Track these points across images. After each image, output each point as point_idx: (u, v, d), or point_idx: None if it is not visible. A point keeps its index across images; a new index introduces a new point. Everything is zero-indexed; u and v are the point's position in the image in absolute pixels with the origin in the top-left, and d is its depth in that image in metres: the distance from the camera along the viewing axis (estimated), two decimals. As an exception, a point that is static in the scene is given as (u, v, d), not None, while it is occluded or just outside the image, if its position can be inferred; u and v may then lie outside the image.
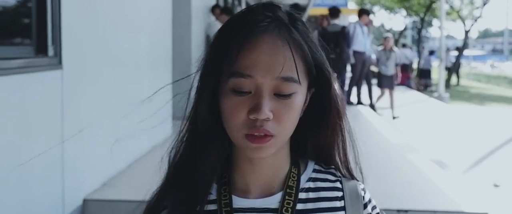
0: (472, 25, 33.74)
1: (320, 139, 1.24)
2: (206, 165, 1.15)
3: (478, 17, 33.76)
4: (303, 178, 1.22)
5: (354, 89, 13.02)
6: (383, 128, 9.42)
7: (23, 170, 3.47)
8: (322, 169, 1.26)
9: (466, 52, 54.78)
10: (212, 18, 10.73)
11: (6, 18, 3.81)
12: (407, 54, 25.92)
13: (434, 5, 33.22)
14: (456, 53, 31.24)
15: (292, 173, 1.21)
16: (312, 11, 26.48)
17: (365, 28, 12.76)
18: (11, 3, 3.91)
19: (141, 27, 5.97)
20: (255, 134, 1.06)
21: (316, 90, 1.19)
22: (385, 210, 4.16)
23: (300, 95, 1.11)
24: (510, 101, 22.27)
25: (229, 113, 1.07)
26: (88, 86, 4.51)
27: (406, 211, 4.70)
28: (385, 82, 13.70)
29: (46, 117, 3.89)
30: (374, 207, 1.28)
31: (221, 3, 12.81)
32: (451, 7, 33.85)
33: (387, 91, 13.83)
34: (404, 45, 29.65)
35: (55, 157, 3.97)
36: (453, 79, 29.89)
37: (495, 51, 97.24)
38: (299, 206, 1.18)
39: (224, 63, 1.05)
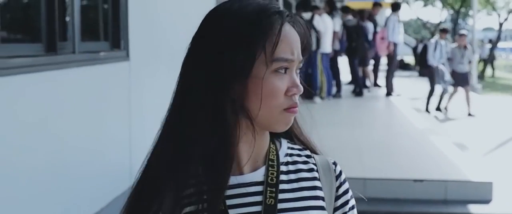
0: (506, 18, 33.98)
1: None
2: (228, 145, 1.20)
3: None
4: (281, 153, 1.31)
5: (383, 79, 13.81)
6: (412, 115, 10.16)
7: (102, 142, 4.37)
8: (295, 146, 1.36)
9: (504, 44, 54.54)
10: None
11: (90, 19, 4.70)
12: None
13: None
14: (490, 45, 31.46)
15: (271, 148, 1.29)
16: (349, 4, 26.75)
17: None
18: (93, 7, 4.82)
19: (193, 25, 6.79)
20: (294, 107, 1.22)
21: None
22: (404, 180, 5.05)
23: None
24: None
25: (273, 93, 1.18)
26: (150, 76, 5.36)
27: (421, 180, 5.50)
28: (460, 79, 13.31)
29: (118, 100, 4.77)
30: (345, 180, 1.37)
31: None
32: (485, 0, 34.09)
33: (460, 89, 13.57)
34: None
35: (124, 135, 4.84)
36: (488, 71, 30.14)
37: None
38: (283, 177, 1.27)
39: (265, 51, 1.16)
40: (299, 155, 1.33)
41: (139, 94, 5.07)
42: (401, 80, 17.04)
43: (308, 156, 1.34)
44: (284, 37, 1.18)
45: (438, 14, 65.62)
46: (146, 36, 5.30)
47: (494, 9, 35.03)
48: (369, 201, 5.40)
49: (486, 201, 5.40)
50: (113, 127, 4.68)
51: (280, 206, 1.23)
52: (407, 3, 41.34)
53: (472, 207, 5.30)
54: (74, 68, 4.04)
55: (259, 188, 1.24)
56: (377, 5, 14.27)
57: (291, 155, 1.32)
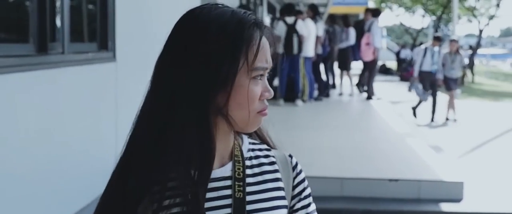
0: (486, 24, 34.42)
1: None
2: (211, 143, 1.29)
3: (493, 16, 34.42)
4: (244, 148, 1.40)
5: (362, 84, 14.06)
6: (391, 119, 10.39)
7: (89, 141, 4.54)
8: (255, 142, 1.46)
9: (485, 50, 55.05)
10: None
11: (78, 20, 4.87)
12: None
13: (451, 4, 33.80)
14: (470, 51, 31.81)
15: (235, 145, 1.38)
16: (332, 9, 27.03)
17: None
18: (81, 8, 4.99)
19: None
20: (265, 109, 1.33)
21: None
22: (380, 179, 5.26)
23: None
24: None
25: (252, 98, 1.28)
26: (136, 77, 5.51)
27: (396, 180, 5.71)
28: (452, 85, 13.58)
29: (105, 101, 4.94)
30: (300, 171, 1.47)
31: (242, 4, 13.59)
32: (465, 7, 34.48)
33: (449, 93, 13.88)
34: (421, 44, 30.35)
35: (110, 134, 5.00)
36: (468, 76, 30.47)
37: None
38: (248, 172, 1.37)
39: (247, 61, 1.27)
40: (260, 150, 1.44)
41: (125, 95, 5.23)
42: (382, 84, 17.31)
43: (267, 150, 1.45)
44: (261, 48, 1.29)
45: (420, 20, 66.15)
46: (133, 38, 5.47)
47: (474, 16, 35.42)
48: (347, 200, 5.64)
49: (457, 200, 5.60)
50: (100, 126, 4.85)
51: (248, 198, 1.33)
52: (390, 8, 41.70)
53: (444, 206, 5.50)
54: (63, 68, 4.20)
55: (227, 183, 1.33)
56: (368, 11, 14.49)
57: (253, 150, 1.42)
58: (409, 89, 14.32)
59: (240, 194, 1.32)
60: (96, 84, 4.78)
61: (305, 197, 1.45)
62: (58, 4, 4.11)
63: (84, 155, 4.50)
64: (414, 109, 13.57)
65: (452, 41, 14.11)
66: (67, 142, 4.20)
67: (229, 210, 1.30)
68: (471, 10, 35.18)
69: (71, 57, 4.31)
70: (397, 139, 8.23)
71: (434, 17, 39.02)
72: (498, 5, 34.34)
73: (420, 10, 40.95)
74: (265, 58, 1.31)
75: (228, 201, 1.31)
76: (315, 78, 12.63)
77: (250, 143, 1.43)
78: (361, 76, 14.56)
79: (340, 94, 14.30)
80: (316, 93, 12.79)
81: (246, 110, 1.28)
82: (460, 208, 5.51)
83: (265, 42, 1.32)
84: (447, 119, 13.68)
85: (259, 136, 1.47)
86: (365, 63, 14.25)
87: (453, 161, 7.64)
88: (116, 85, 5.09)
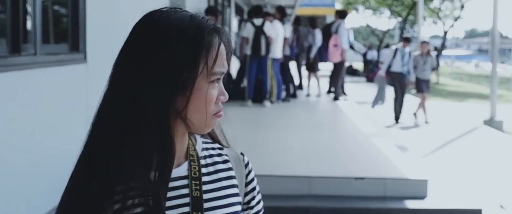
0: (451, 25, 34.98)
1: None
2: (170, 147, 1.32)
3: (458, 17, 34.98)
4: (198, 148, 1.43)
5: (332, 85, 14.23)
6: (358, 119, 10.56)
7: (59, 141, 4.60)
8: (208, 141, 1.49)
9: (451, 52, 55.77)
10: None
11: (50, 22, 4.92)
12: (388, 53, 27.28)
13: (417, 6, 34.26)
14: (435, 52, 32.25)
15: (189, 145, 1.41)
16: (299, 11, 27.21)
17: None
18: (53, 10, 5.04)
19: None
20: (220, 111, 1.37)
21: None
22: (346, 178, 5.40)
23: None
24: (486, 98, 23.37)
25: (209, 101, 1.32)
26: (107, 78, 5.59)
27: (362, 178, 5.85)
28: (424, 86, 13.64)
29: (76, 102, 4.99)
30: (251, 168, 1.53)
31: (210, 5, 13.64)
32: (430, 8, 34.99)
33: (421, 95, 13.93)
34: (387, 46, 30.68)
35: (80, 135, 5.05)
36: (433, 77, 30.88)
37: (481, 51, 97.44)
38: (204, 171, 1.40)
39: (207, 66, 1.29)
40: (213, 149, 1.48)
41: (95, 95, 5.26)
42: (349, 85, 17.53)
43: (220, 149, 1.49)
44: (220, 53, 1.33)
45: (386, 22, 66.76)
46: (103, 40, 5.52)
47: (439, 17, 35.97)
48: (315, 198, 5.76)
49: (422, 197, 5.74)
50: (71, 127, 4.90)
51: (205, 196, 1.36)
52: (356, 10, 42.07)
53: (408, 203, 5.63)
54: (36, 70, 4.27)
55: (184, 182, 1.36)
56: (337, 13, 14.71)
57: (207, 149, 1.46)
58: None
59: (197, 193, 1.36)
60: (67, 86, 4.84)
61: (258, 193, 1.52)
62: (30, 6, 4.17)
63: (55, 154, 4.54)
64: (398, 111, 13.70)
65: (424, 42, 14.21)
66: (39, 141, 4.25)
67: (187, 208, 1.33)
68: (436, 12, 35.72)
69: (43, 58, 4.38)
70: (363, 139, 8.40)
71: (400, 19, 39.48)
72: (462, 7, 34.93)
73: (386, 12, 41.38)
74: (222, 63, 1.34)
75: (186, 200, 1.34)
76: (283, 79, 12.73)
77: (203, 142, 1.47)
78: (332, 77, 14.64)
79: (308, 95, 14.46)
80: (284, 94, 12.90)
81: (204, 112, 1.32)
82: (424, 205, 5.65)
83: (223, 47, 1.35)
84: (417, 121, 13.76)
85: (211, 136, 1.50)
86: (334, 65, 14.39)
87: (418, 160, 7.82)
88: (87, 86, 5.15)
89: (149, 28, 1.31)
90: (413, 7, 33.04)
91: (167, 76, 1.26)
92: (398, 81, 13.34)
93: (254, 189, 1.51)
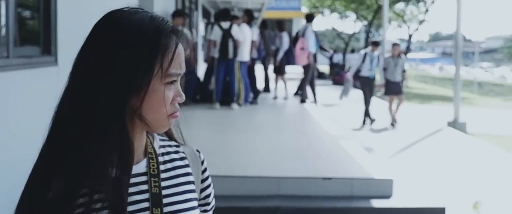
0: (415, 29, 35.49)
1: None
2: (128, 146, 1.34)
3: (422, 21, 35.48)
4: (155, 145, 1.46)
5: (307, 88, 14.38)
6: (324, 121, 10.72)
7: (30, 145, 4.63)
8: (164, 138, 1.52)
9: (415, 55, 56.53)
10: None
11: (23, 25, 4.96)
12: (356, 58, 27.64)
13: (382, 10, 34.68)
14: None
15: (147, 142, 1.44)
16: (266, 14, 27.34)
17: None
18: (26, 13, 5.09)
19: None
20: (176, 112, 1.38)
21: None
22: (314, 178, 5.51)
23: None
24: (450, 100, 23.77)
25: (165, 102, 1.33)
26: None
27: (330, 178, 5.98)
28: (393, 88, 13.57)
29: (47, 105, 5.03)
30: (207, 167, 1.57)
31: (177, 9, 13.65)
32: (395, 12, 35.44)
33: (394, 98, 13.88)
34: (353, 51, 31.00)
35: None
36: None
37: (445, 54, 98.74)
38: (162, 167, 1.43)
39: (162, 68, 1.31)
40: (170, 146, 1.50)
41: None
42: (317, 88, 17.69)
43: (177, 146, 1.52)
44: (176, 55, 1.34)
45: (352, 25, 67.39)
46: (74, 43, 5.56)
47: (404, 21, 36.44)
48: (283, 198, 5.87)
49: (387, 196, 5.87)
50: (42, 129, 4.93)
51: (164, 192, 1.39)
52: (322, 14, 42.39)
53: (374, 202, 5.76)
54: (8, 72, 4.31)
55: (143, 178, 1.38)
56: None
57: (164, 146, 1.49)
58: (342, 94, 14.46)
59: (156, 189, 1.38)
60: (38, 89, 4.88)
61: (212, 189, 1.58)
62: (3, 9, 4.21)
63: (26, 158, 4.57)
64: (367, 114, 13.79)
65: (395, 45, 14.20)
66: (9, 144, 4.28)
67: (147, 204, 1.36)
68: (401, 16, 36.18)
69: (16, 61, 4.41)
70: (330, 140, 8.54)
71: (365, 22, 39.90)
72: (427, 10, 35.44)
73: (352, 15, 41.78)
74: (179, 65, 1.35)
75: (146, 196, 1.37)
76: (250, 82, 12.84)
77: (160, 140, 1.49)
78: (303, 81, 14.59)
79: (275, 98, 14.59)
80: (251, 96, 13.00)
81: (159, 113, 1.34)
82: (390, 204, 5.78)
83: (180, 49, 1.37)
84: (392, 123, 13.82)
85: (167, 134, 1.52)
86: (303, 68, 14.43)
87: (383, 161, 7.98)
88: (58, 89, 5.17)
89: (109, 28, 1.33)
90: (378, 10, 33.42)
91: (123, 76, 1.28)
92: (366, 85, 13.37)
93: (209, 185, 1.56)
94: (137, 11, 1.36)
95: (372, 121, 13.84)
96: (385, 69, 13.61)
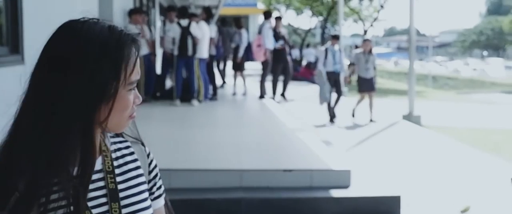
0: (370, 25, 36.05)
1: None
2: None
3: (376, 18, 36.06)
4: (107, 143, 1.52)
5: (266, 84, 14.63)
6: (283, 116, 10.96)
7: None
8: (115, 135, 1.57)
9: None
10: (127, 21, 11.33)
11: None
12: (312, 53, 28.08)
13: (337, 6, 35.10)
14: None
15: (101, 140, 1.49)
16: (223, 11, 27.45)
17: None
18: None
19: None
20: (134, 113, 1.47)
21: None
22: (275, 170, 5.74)
23: None
24: (406, 94, 24.21)
25: (128, 106, 1.43)
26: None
27: (290, 170, 6.20)
28: (366, 85, 13.44)
29: (13, 103, 5.15)
30: (153, 158, 1.64)
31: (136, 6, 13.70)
32: (351, 8, 35.91)
33: (366, 95, 13.73)
34: (308, 45, 31.34)
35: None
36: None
37: (400, 49, 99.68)
38: (115, 163, 1.50)
39: (125, 76, 1.39)
40: (120, 142, 1.57)
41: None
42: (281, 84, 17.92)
43: (125, 142, 1.59)
44: (136, 63, 1.43)
45: (308, 21, 67.88)
46: (42, 40, 5.68)
47: (359, 17, 36.93)
48: (246, 190, 6.09)
49: (345, 187, 6.12)
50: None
51: (119, 187, 1.47)
52: (278, 11, 42.67)
53: (333, 192, 5.99)
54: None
55: (100, 175, 1.45)
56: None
57: (115, 143, 1.55)
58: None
59: (112, 185, 1.46)
60: (5, 88, 4.98)
61: (159, 179, 1.65)
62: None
63: None
64: (331, 109, 13.56)
65: (366, 40, 14.03)
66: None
67: (105, 199, 1.44)
68: (357, 12, 36.67)
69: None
70: (290, 134, 8.78)
71: (321, 18, 40.30)
72: (382, 7, 35.99)
73: (308, 12, 42.12)
74: (137, 71, 1.44)
75: (103, 192, 1.44)
76: (210, 78, 13.00)
77: (110, 136, 1.55)
78: (262, 77, 14.70)
79: (234, 94, 14.79)
80: (211, 93, 13.16)
81: (122, 116, 1.43)
82: (348, 194, 6.02)
83: (137, 57, 1.46)
84: (371, 120, 13.59)
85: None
86: (262, 64, 14.60)
87: (341, 153, 8.26)
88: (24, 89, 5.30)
89: (70, 39, 1.37)
90: (333, 6, 33.82)
91: (92, 88, 1.34)
92: (333, 80, 13.09)
93: (156, 175, 1.63)
94: (96, 22, 1.41)
95: (333, 117, 13.50)
96: (354, 64, 13.49)
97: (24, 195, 1.31)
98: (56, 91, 1.33)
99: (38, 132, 1.33)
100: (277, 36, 14.60)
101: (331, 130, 12.50)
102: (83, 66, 1.33)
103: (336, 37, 13.62)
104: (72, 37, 1.37)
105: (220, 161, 6.71)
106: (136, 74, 1.43)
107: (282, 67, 15.15)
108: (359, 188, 6.20)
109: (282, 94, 16.09)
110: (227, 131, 9.14)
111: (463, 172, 8.59)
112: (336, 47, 13.29)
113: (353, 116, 13.90)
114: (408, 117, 14.60)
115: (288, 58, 15.71)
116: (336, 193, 6.01)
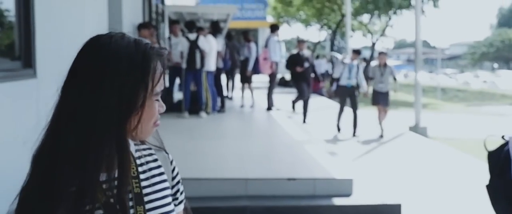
0: (377, 39, 36.21)
1: None
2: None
3: (384, 31, 36.22)
4: (132, 150, 1.56)
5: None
6: (290, 127, 11.12)
7: (11, 156, 4.93)
8: (137, 143, 1.62)
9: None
10: (136, 35, 11.53)
11: (3, 39, 5.28)
12: (322, 64, 28.11)
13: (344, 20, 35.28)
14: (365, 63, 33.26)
15: None
16: (232, 24, 27.61)
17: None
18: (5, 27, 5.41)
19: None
20: (158, 120, 1.55)
21: None
22: (279, 179, 5.93)
23: None
24: (413, 105, 24.30)
25: (154, 113, 1.51)
26: (56, 93, 5.93)
27: (294, 179, 6.37)
28: (378, 99, 13.04)
29: (27, 116, 5.33)
30: (175, 165, 1.71)
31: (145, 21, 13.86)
32: (360, 22, 36.07)
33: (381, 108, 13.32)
34: (317, 57, 31.43)
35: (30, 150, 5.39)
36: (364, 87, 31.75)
37: (410, 61, 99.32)
38: (139, 169, 1.56)
39: (153, 86, 1.48)
40: (144, 149, 1.63)
41: (46, 110, 5.61)
42: (281, 96, 18.03)
43: (149, 149, 1.65)
44: (161, 75, 1.51)
45: (317, 34, 68.01)
46: (53, 55, 5.86)
47: (368, 31, 37.07)
48: (251, 198, 6.26)
49: (347, 195, 6.28)
50: (21, 141, 5.20)
51: (144, 192, 1.54)
52: (288, 23, 42.87)
53: (335, 200, 6.14)
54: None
55: None
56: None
57: (139, 150, 1.61)
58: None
59: (138, 190, 1.52)
60: (19, 101, 5.17)
61: (181, 185, 1.73)
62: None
63: (4, 170, 4.73)
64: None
65: (381, 54, 13.48)
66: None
67: (131, 203, 1.50)
68: (365, 26, 36.84)
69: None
70: (295, 145, 8.96)
71: (330, 31, 40.46)
72: (390, 19, 36.14)
73: (316, 25, 42.29)
74: (163, 83, 1.53)
75: (129, 196, 1.50)
76: (217, 91, 13.16)
77: (134, 144, 1.60)
78: (270, 89, 14.65)
79: (242, 106, 14.96)
80: (219, 105, 13.34)
81: (148, 124, 1.51)
82: (350, 202, 6.17)
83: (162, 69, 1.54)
84: (381, 136, 13.20)
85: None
86: (269, 77, 14.62)
87: (344, 162, 8.41)
88: (37, 102, 5.48)
89: (98, 54, 1.44)
90: (342, 20, 34.00)
91: (122, 100, 1.41)
92: (346, 94, 12.83)
93: (179, 182, 1.72)
94: (123, 37, 1.48)
95: (338, 129, 13.31)
96: (371, 78, 13.13)
97: (78, 196, 1.40)
98: (91, 105, 1.40)
99: (79, 143, 1.40)
100: (301, 59, 14.35)
101: (337, 140, 12.62)
102: (113, 80, 1.40)
103: (357, 52, 13.23)
104: (99, 53, 1.44)
105: (226, 170, 6.90)
106: (162, 85, 1.52)
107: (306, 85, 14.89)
108: (361, 196, 6.34)
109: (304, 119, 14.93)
110: (233, 141, 9.34)
111: (466, 183, 8.70)
112: (355, 62, 12.91)
113: (381, 130, 13.38)
114: (414, 129, 14.70)
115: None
116: (338, 201, 6.16)
